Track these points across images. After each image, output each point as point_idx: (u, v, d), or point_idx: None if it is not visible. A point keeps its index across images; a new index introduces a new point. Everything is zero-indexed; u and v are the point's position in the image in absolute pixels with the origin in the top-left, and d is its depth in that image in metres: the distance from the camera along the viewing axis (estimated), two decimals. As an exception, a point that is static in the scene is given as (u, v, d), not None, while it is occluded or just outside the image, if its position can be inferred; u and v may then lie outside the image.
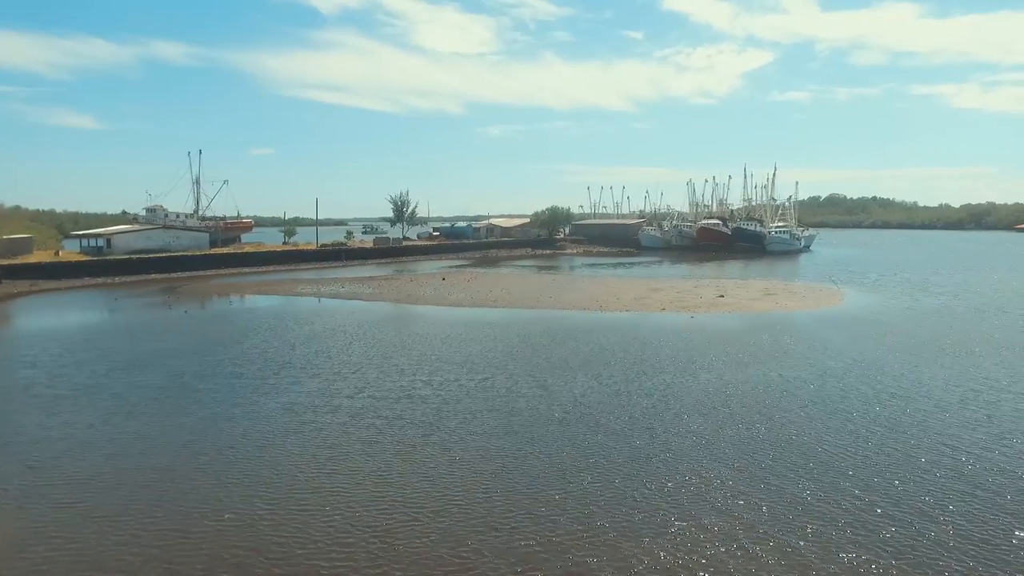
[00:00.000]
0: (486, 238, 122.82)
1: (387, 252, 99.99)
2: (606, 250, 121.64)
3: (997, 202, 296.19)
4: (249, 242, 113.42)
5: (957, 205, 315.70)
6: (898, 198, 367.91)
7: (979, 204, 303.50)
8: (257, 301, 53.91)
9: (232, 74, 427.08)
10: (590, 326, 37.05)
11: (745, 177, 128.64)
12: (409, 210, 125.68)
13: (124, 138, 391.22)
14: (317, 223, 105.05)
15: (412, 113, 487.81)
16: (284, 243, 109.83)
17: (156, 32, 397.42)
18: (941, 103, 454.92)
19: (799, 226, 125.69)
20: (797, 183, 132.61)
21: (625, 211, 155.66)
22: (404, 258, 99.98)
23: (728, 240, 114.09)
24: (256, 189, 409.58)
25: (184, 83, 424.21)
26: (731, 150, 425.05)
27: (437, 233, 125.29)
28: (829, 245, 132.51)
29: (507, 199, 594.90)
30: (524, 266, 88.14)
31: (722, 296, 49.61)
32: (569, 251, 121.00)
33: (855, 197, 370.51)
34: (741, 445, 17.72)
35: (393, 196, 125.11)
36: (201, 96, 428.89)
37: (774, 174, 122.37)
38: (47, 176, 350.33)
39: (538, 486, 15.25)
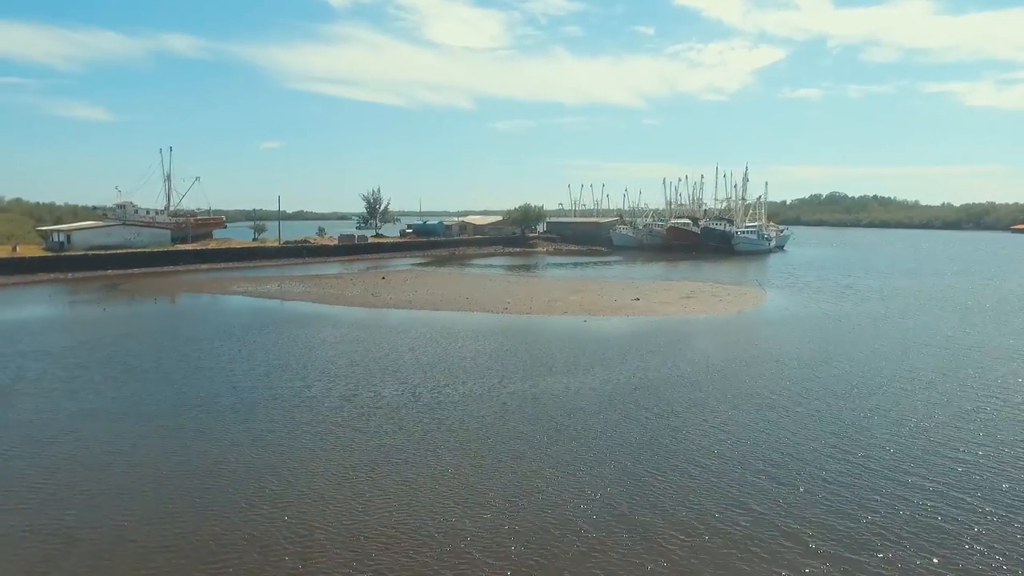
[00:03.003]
0: (458, 236, 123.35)
1: (351, 250, 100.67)
2: (576, 249, 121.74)
3: (998, 202, 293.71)
4: (220, 238, 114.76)
5: (959, 204, 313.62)
6: (906, 196, 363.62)
7: (978, 204, 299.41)
8: (184, 300, 54.78)
9: (242, 67, 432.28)
10: (473, 330, 37.53)
11: (718, 176, 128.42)
12: (382, 207, 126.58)
13: (135, 130, 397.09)
14: (280, 219, 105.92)
15: (422, 107, 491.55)
16: (254, 239, 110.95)
17: (166, 25, 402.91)
18: (954, 101, 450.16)
19: (777, 225, 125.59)
20: (767, 183, 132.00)
21: (606, 208, 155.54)
22: (368, 256, 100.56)
23: (697, 240, 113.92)
24: (265, 182, 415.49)
25: (194, 76, 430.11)
26: (740, 147, 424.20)
27: (410, 231, 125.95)
28: (809, 245, 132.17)
29: (515, 194, 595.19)
30: (481, 265, 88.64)
31: (637, 299, 49.86)
32: (539, 249, 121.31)
33: (856, 196, 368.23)
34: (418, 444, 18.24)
35: (365, 193, 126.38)
36: (211, 89, 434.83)
37: (746, 173, 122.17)
38: (58, 168, 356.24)
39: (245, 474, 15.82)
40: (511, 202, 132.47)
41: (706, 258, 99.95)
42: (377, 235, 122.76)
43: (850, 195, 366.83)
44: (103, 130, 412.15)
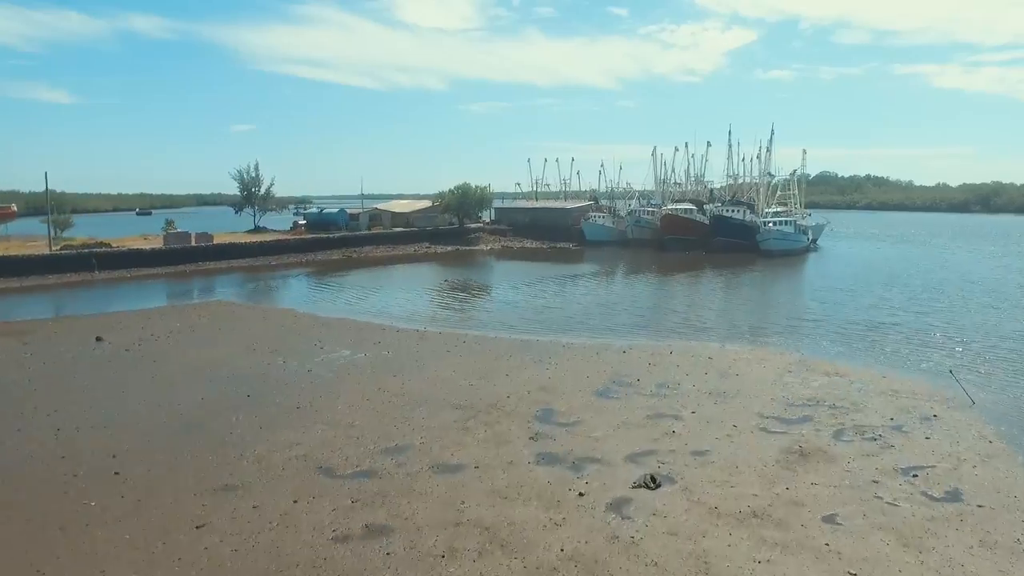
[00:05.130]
0: (368, 228, 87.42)
1: (183, 257, 64.16)
2: (534, 246, 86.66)
3: (983, 182, 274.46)
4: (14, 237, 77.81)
5: (955, 185, 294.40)
6: (883, 176, 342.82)
7: (984, 184, 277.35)
8: None
9: (211, 49, 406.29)
10: None
11: (730, 147, 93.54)
12: (263, 189, 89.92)
13: (99, 113, 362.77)
14: (49, 207, 68.75)
15: (395, 89, 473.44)
16: (52, 237, 73.97)
17: (132, 5, 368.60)
18: (923, 83, 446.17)
19: (804, 211, 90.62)
20: (805, 151, 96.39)
21: (577, 190, 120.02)
22: (212, 265, 64.53)
23: (705, 233, 79.81)
24: (235, 165, 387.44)
25: (162, 58, 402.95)
26: (716, 129, 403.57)
27: (303, 222, 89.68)
28: (834, 236, 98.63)
29: (490, 176, 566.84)
30: (364, 289, 53.10)
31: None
32: (483, 246, 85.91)
33: (847, 175, 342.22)
34: None
35: (240, 169, 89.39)
36: (179, 71, 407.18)
37: (770, 141, 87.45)
38: (19, 152, 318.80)
39: None
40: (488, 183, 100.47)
41: (718, 264, 66.28)
42: (256, 229, 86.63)
43: (839, 174, 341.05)
44: (65, 113, 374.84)
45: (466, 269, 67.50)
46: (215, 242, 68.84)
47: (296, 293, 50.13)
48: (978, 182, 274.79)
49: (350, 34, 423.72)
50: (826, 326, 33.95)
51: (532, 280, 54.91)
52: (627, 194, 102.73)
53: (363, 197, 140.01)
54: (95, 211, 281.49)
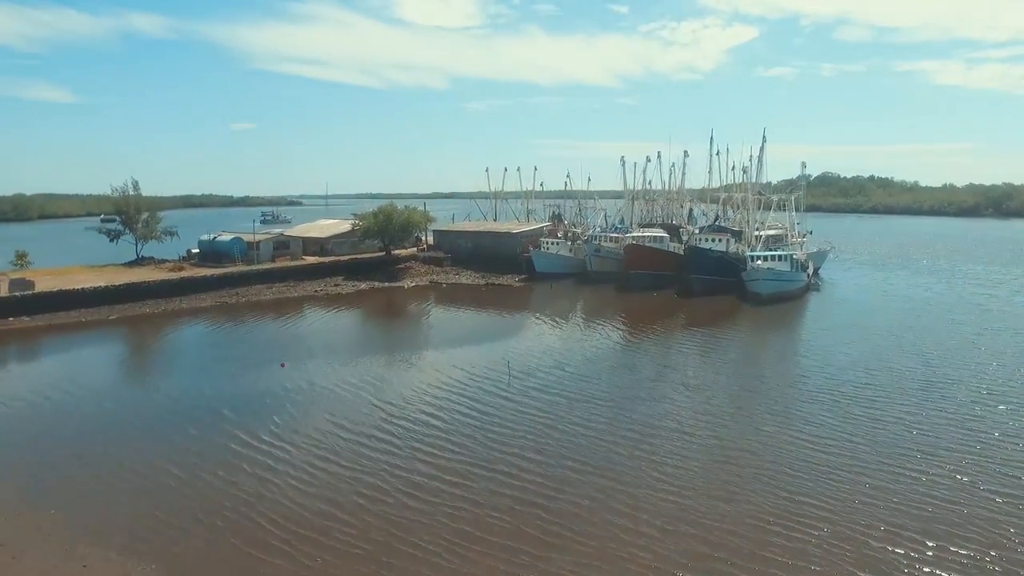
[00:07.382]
0: (272, 259, 71.52)
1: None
2: (471, 280, 70.29)
3: (991, 183, 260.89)
4: None
5: (961, 185, 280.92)
6: (886, 175, 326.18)
7: (995, 186, 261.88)
8: None
9: (211, 47, 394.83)
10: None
11: (714, 155, 76.89)
12: (144, 212, 73.45)
13: (100, 112, 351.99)
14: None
15: (395, 88, 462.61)
16: None
17: (132, 4, 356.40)
18: (924, 80, 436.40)
19: (801, 234, 74.16)
20: (804, 164, 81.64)
21: (539, 190, 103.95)
22: (23, 321, 48.88)
23: (678, 267, 63.90)
24: (238, 165, 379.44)
25: (163, 56, 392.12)
26: (718, 126, 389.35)
27: (196, 251, 73.74)
28: (839, 262, 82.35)
29: (490, 175, 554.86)
30: (159, 377, 36.92)
31: None
32: (407, 283, 69.64)
33: (849, 176, 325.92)
34: None
35: (116, 188, 73.29)
36: (180, 70, 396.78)
37: (762, 149, 71.11)
38: (19, 152, 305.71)
39: None
40: (476, 184, 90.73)
41: (695, 315, 50.90)
42: (137, 260, 70.86)
43: (842, 175, 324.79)
44: (67, 112, 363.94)
45: (357, 324, 51.63)
46: (36, 290, 52.99)
47: (46, 390, 33.80)
48: (981, 181, 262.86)
49: (350, 32, 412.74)
50: (843, 545, 17.83)
51: (418, 360, 38.75)
52: (594, 194, 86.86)
53: (327, 197, 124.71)
54: (65, 216, 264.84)
